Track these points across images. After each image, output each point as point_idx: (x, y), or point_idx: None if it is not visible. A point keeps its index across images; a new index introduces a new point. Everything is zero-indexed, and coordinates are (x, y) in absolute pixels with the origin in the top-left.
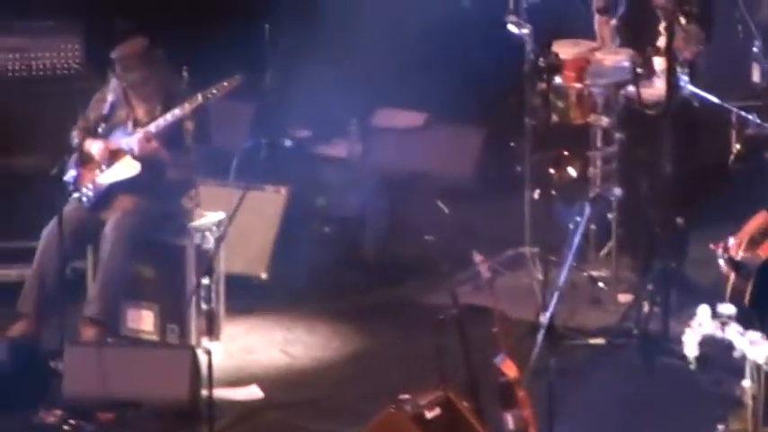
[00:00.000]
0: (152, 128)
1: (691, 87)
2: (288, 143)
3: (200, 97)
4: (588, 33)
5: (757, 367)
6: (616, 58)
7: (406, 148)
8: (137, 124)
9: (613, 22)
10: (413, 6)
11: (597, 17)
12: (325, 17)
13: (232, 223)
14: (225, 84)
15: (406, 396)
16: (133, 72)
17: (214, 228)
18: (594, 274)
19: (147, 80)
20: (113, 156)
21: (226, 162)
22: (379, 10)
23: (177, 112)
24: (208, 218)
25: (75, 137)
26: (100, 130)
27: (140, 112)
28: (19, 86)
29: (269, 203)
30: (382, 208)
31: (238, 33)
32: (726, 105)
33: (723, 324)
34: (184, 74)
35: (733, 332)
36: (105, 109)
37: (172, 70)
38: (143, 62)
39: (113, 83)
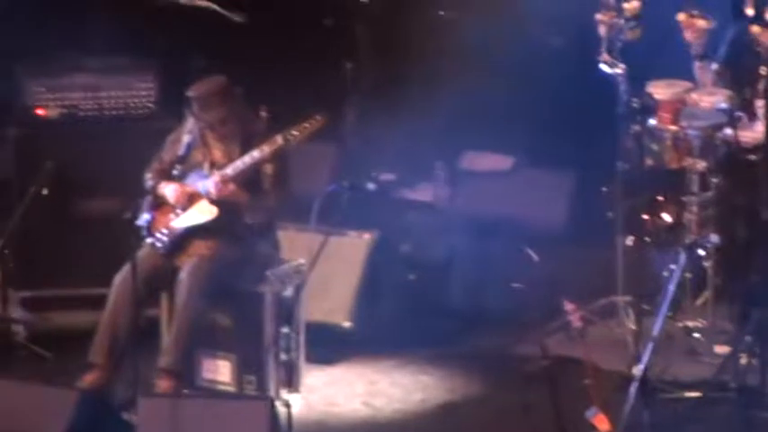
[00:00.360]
0: (229, 170)
1: None
2: (371, 187)
3: (279, 139)
4: (685, 74)
5: None
6: (713, 100)
7: (493, 193)
8: (213, 166)
9: (714, 66)
10: (501, 46)
11: (697, 63)
12: (409, 56)
13: (313, 270)
14: (306, 125)
15: None
16: (211, 111)
17: (294, 275)
18: (690, 324)
19: (226, 120)
20: (189, 199)
21: (306, 206)
22: (465, 49)
23: (256, 154)
24: (288, 264)
25: (149, 179)
26: (175, 172)
27: (217, 154)
28: (90, 127)
29: (351, 249)
30: (469, 254)
31: (319, 72)
32: None
33: None
34: (263, 114)
35: None
36: (181, 150)
37: (250, 110)
38: (221, 101)
39: (190, 123)
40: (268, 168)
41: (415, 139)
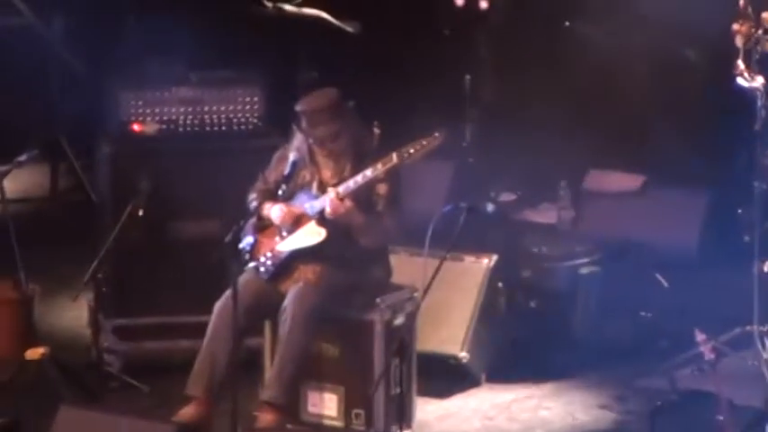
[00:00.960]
0: (341, 190)
1: None
2: (490, 208)
3: (395, 157)
4: None
5: None
6: None
7: (621, 215)
8: (322, 186)
9: None
10: (629, 57)
11: None
12: (531, 68)
13: (426, 297)
14: (424, 142)
15: None
16: (321, 127)
17: (406, 302)
18: None
19: (337, 136)
20: (296, 221)
21: (420, 229)
22: (591, 62)
23: (369, 173)
24: (400, 291)
25: (252, 200)
26: (280, 192)
27: (327, 173)
28: (190, 143)
29: (468, 275)
30: (594, 280)
31: (436, 85)
32: None
33: None
34: (376, 130)
35: None
36: (287, 169)
37: (363, 126)
38: (332, 116)
39: (297, 139)
40: (381, 188)
41: (538, 157)
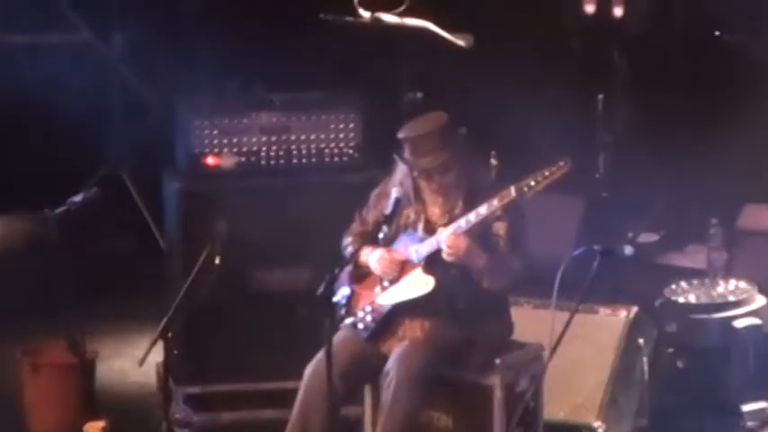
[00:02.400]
0: (451, 230)
1: None
2: (628, 250)
3: (513, 191)
4: None
5: None
6: None
7: None
8: (429, 227)
9: None
10: None
11: None
12: (675, 85)
13: (555, 356)
14: (547, 173)
15: None
16: (428, 157)
17: (531, 362)
18: None
19: (446, 168)
20: (399, 269)
21: (547, 275)
22: (745, 77)
23: (483, 210)
24: (523, 349)
25: (348, 244)
26: (381, 235)
27: (435, 211)
28: (274, 178)
29: (604, 329)
30: (752, 335)
31: (563, 106)
32: None
33: None
34: (493, 161)
35: None
36: (389, 208)
37: (477, 155)
38: (441, 144)
39: (400, 173)
40: (499, 228)
41: (684, 191)
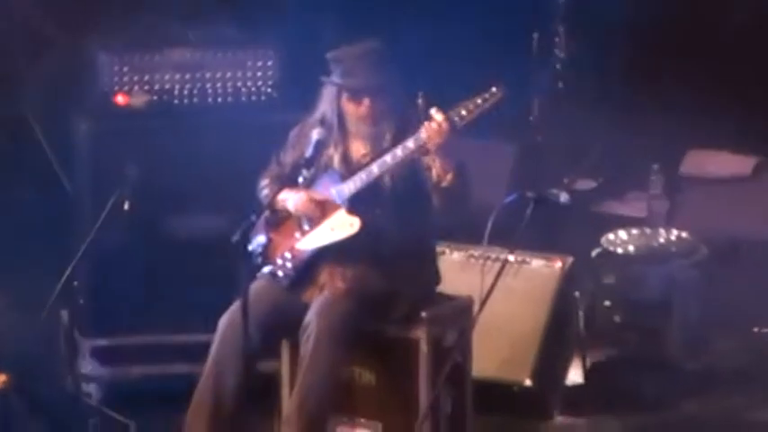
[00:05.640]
0: (375, 168)
1: None
2: (564, 198)
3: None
4: None
5: None
6: None
7: (727, 206)
8: (349, 164)
9: None
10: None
11: None
12: (617, 23)
13: (485, 309)
14: (479, 100)
15: None
16: (360, 77)
17: (459, 315)
18: None
19: (379, 92)
20: (320, 210)
21: (477, 223)
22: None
23: (411, 143)
24: (451, 302)
25: (264, 187)
26: (301, 179)
27: (357, 146)
28: (188, 118)
29: (537, 281)
30: (694, 289)
31: (495, 41)
32: None
33: None
34: (419, 101)
35: None
36: (309, 150)
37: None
38: (376, 68)
39: (325, 100)
40: (431, 161)
41: (622, 134)
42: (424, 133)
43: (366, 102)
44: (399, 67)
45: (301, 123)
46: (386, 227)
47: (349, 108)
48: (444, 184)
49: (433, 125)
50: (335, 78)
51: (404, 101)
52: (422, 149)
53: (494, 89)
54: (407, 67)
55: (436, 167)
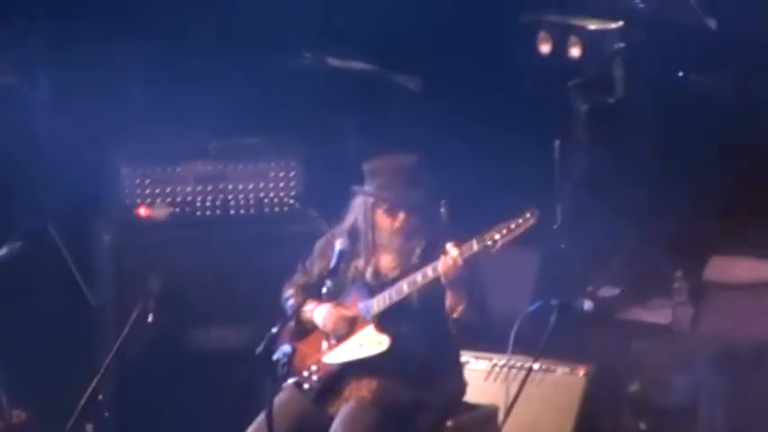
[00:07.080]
0: (405, 287)
1: None
2: (587, 305)
3: (474, 244)
4: None
5: None
6: None
7: (753, 311)
8: (379, 276)
9: None
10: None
11: None
12: (637, 130)
13: (509, 418)
14: (512, 225)
15: None
16: (397, 192)
17: (485, 425)
18: None
19: (413, 208)
20: (349, 325)
21: (501, 332)
22: (712, 121)
23: (430, 272)
24: (476, 410)
25: (289, 297)
26: (324, 290)
27: (387, 259)
28: (210, 231)
29: (561, 389)
30: (719, 395)
31: (517, 154)
32: None
33: None
34: (442, 209)
35: None
36: (333, 260)
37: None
38: (411, 182)
39: (356, 211)
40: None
41: (645, 242)
42: (440, 266)
43: (401, 216)
44: (432, 181)
45: (327, 234)
46: (413, 343)
47: (383, 221)
48: (455, 315)
49: (448, 261)
50: (371, 189)
51: (436, 217)
52: (438, 280)
53: (528, 214)
54: (432, 174)
55: (448, 298)
